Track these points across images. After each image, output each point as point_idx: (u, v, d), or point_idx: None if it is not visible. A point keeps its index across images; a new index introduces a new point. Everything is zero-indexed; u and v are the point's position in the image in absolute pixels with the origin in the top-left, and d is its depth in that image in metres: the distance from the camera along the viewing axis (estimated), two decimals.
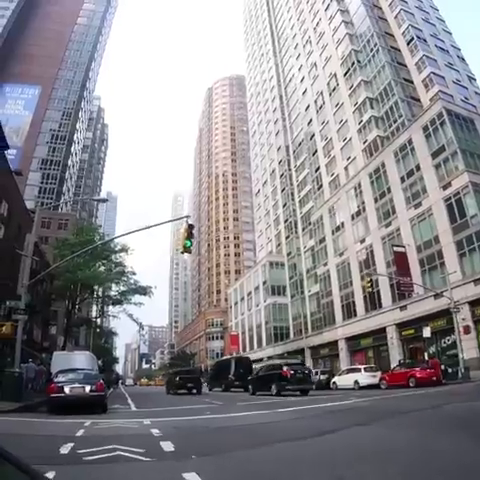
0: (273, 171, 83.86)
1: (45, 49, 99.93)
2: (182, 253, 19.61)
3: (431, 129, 38.50)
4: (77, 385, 15.54)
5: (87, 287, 38.47)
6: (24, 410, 15.78)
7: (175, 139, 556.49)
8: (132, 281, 39.30)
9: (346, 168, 54.46)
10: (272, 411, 14.27)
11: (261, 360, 66.10)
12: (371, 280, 30.24)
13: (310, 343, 56.93)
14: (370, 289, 29.99)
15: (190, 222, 17.77)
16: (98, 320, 56.22)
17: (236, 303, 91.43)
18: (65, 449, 7.05)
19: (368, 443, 7.12)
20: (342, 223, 50.59)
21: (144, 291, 40.10)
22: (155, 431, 9.31)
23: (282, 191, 77.73)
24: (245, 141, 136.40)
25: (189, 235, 16.92)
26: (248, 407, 16.70)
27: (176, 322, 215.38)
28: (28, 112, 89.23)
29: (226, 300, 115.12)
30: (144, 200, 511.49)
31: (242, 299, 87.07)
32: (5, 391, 17.99)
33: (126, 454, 6.55)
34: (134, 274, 39.20)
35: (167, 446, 7.18)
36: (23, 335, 22.01)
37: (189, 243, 16.93)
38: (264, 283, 74.43)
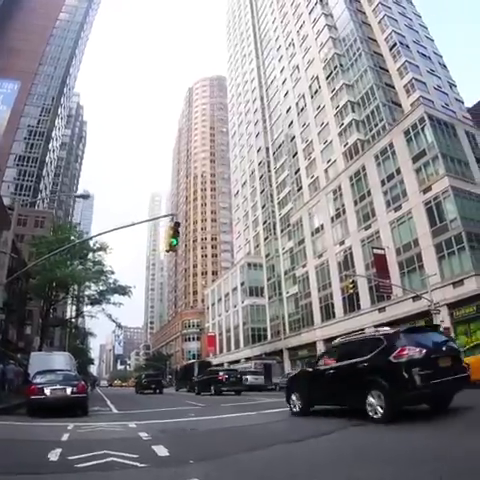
0: (252, 172, 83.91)
1: (28, 44, 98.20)
2: (167, 252, 19.23)
3: (412, 133, 38.88)
4: (58, 387, 15.00)
5: (64, 286, 37.79)
6: (1, 413, 15.33)
7: (154, 139, 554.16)
8: (111, 280, 38.80)
9: (326, 170, 54.73)
10: (257, 413, 14.09)
11: (238, 362, 66.04)
12: (353, 281, 30.32)
13: (288, 344, 56.95)
14: (352, 290, 30.04)
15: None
16: (74, 320, 55.25)
17: (213, 304, 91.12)
18: (54, 456, 6.76)
19: (368, 443, 7.00)
20: (321, 225, 50.77)
21: (124, 291, 39.50)
22: (143, 434, 9.13)
23: (261, 192, 77.80)
24: (224, 142, 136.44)
25: (175, 233, 16.67)
26: (232, 409, 16.30)
27: (152, 323, 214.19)
28: (6, 107, 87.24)
29: (203, 301, 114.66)
30: (121, 199, 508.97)
31: (220, 300, 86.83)
32: None
33: (120, 460, 6.31)
34: (113, 273, 38.68)
35: (160, 450, 6.99)
36: None
37: (175, 241, 16.67)
38: (242, 284, 74.32)
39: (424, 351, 8.57)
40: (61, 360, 23.98)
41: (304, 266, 53.46)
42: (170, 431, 10.09)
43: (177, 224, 17.17)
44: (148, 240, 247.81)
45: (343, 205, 47.01)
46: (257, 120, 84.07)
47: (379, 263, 38.18)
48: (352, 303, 43.28)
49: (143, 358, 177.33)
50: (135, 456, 6.49)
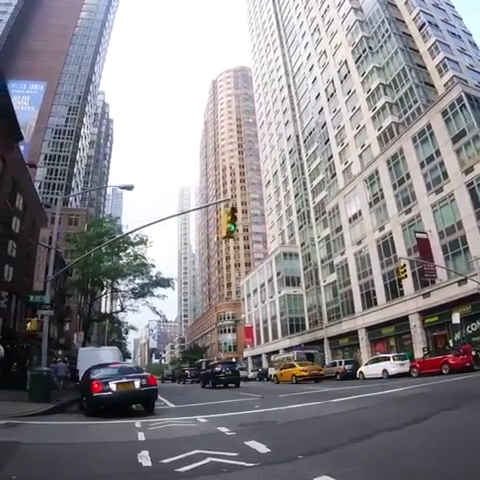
0: (283, 161, 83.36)
1: (49, 44, 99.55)
2: (224, 238, 18.62)
3: (450, 113, 37.78)
4: (124, 380, 13.24)
5: (108, 279, 38.07)
6: (55, 411, 14.87)
7: (180, 133, 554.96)
8: (153, 273, 38.93)
9: (360, 156, 53.94)
10: (325, 402, 13.76)
11: (277, 352, 65.93)
12: (405, 265, 29.68)
13: (328, 333, 56.49)
14: (404, 275, 29.43)
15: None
16: (115, 315, 55.66)
17: (249, 295, 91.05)
18: (145, 460, 6.26)
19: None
20: (359, 211, 49.91)
21: (167, 283, 39.70)
22: (224, 429, 8.71)
23: (293, 181, 77.18)
24: (252, 133, 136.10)
25: (233, 219, 16.03)
26: (294, 399, 15.99)
27: (186, 316, 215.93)
28: (34, 108, 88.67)
29: (237, 293, 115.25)
30: (150, 195, 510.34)
31: (255, 291, 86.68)
32: (34, 392, 17.00)
33: (221, 460, 5.85)
34: (153, 266, 38.76)
35: (257, 446, 6.59)
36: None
37: (233, 227, 16.00)
38: (278, 274, 74.00)
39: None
40: (109, 355, 23.96)
41: (342, 254, 52.81)
42: (250, 424, 9.63)
43: (233, 209, 16.47)
44: (179, 234, 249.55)
45: (381, 190, 46.10)
46: (285, 108, 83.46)
47: (422, 247, 37.38)
48: (394, 289, 42.58)
49: (178, 351, 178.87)
50: (234, 454, 6.12)
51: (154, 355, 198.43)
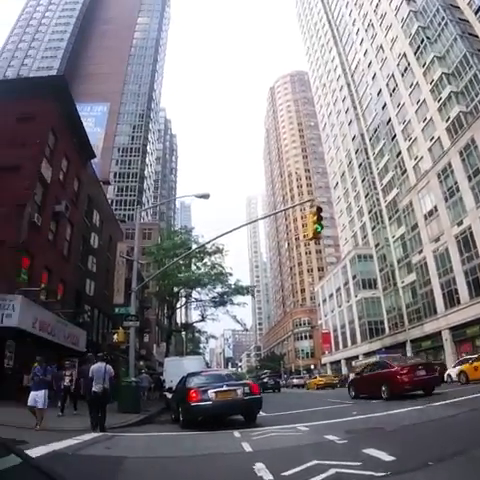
0: (350, 162, 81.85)
1: (107, 66, 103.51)
2: (311, 240, 18.13)
3: None
4: (225, 388, 12.11)
5: (187, 289, 38.30)
6: (146, 422, 15.00)
7: (242, 143, 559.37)
8: (231, 282, 38.43)
9: (430, 149, 51.79)
10: (426, 406, 12.82)
11: (357, 357, 64.27)
12: None
13: (410, 336, 54.36)
14: None
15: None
16: (196, 325, 56.25)
17: (324, 300, 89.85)
18: (263, 473, 5.75)
19: None
20: (435, 207, 47.68)
21: (246, 291, 39.39)
22: (332, 437, 8.20)
23: (362, 181, 75.48)
24: (314, 136, 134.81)
25: (319, 219, 15.57)
26: (388, 404, 14.90)
27: (260, 324, 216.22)
28: (100, 128, 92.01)
29: (311, 299, 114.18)
30: (216, 207, 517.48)
31: (331, 296, 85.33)
32: (123, 402, 17.38)
33: (348, 471, 5.45)
34: (231, 275, 38.24)
35: (378, 454, 6.11)
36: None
37: (320, 227, 15.59)
38: (354, 277, 72.39)
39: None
40: (195, 364, 23.40)
41: (420, 252, 50.69)
42: (357, 432, 9.07)
43: (319, 209, 16.01)
44: (248, 243, 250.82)
45: (456, 182, 43.81)
46: (347, 108, 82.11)
47: None
48: (478, 286, 40.27)
49: (254, 359, 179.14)
50: (357, 464, 5.69)
51: (230, 364, 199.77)
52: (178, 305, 42.96)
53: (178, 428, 12.60)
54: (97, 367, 12.58)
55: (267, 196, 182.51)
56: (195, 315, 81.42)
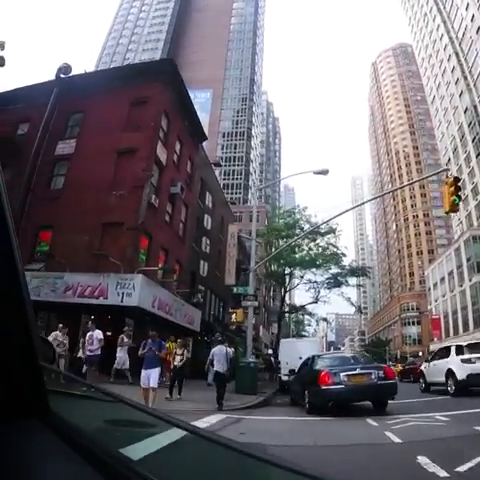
0: (463, 136, 76.45)
1: (207, 54, 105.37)
2: (447, 214, 16.51)
3: None
4: (359, 371, 11.28)
5: (302, 270, 37.23)
6: (263, 404, 14.63)
7: (344, 122, 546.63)
8: (346, 263, 37.06)
9: None
10: None
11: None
12: None
13: None
14: None
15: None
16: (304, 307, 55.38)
17: (435, 284, 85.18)
18: (434, 468, 4.92)
19: None
20: None
21: (363, 272, 38.37)
22: None
23: (477, 157, 70.05)
24: (422, 111, 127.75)
25: (456, 189, 13.94)
26: None
27: (365, 308, 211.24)
28: (204, 114, 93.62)
29: (420, 282, 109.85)
30: (320, 188, 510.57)
31: (442, 280, 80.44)
32: (241, 383, 17.31)
33: None
34: (344, 255, 36.66)
35: None
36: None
37: (457, 199, 14.04)
38: (468, 260, 67.39)
39: None
40: (308, 346, 22.84)
41: None
42: None
43: (456, 179, 14.41)
44: (354, 226, 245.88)
45: None
46: (457, 78, 76.88)
47: None
48: None
49: (358, 344, 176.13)
50: None
51: (332, 348, 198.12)
52: (294, 286, 42.09)
53: (302, 412, 11.98)
54: (218, 350, 13.62)
55: (373, 175, 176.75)
56: (298, 297, 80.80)
